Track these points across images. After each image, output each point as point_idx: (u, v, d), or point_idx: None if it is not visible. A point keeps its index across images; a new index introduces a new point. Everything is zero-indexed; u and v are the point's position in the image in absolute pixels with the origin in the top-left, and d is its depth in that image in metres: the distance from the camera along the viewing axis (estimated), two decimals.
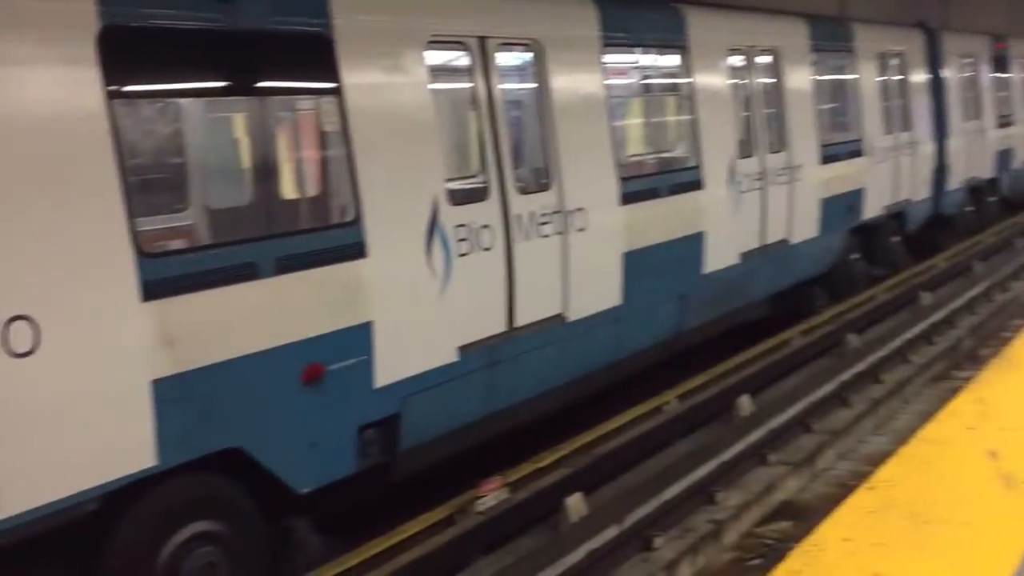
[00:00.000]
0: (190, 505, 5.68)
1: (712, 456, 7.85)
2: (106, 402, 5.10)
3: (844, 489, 5.81)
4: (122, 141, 5.23)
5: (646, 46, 10.02)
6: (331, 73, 6.37)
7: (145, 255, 5.26)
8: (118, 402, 5.16)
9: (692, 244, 9.81)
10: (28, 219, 4.77)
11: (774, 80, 11.56)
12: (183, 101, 6.81)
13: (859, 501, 4.06)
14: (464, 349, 7.32)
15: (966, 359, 10.80)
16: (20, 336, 4.70)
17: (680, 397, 9.38)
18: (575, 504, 7.15)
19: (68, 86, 5.02)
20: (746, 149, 10.85)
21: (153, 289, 5.26)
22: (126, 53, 5.26)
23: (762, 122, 11.21)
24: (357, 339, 6.46)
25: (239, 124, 7.15)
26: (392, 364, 6.70)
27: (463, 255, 7.23)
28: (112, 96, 5.15)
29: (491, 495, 7.01)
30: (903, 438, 5.16)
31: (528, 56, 8.20)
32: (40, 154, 4.84)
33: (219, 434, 5.69)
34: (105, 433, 5.10)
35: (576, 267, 8.25)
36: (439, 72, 7.57)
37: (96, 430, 5.06)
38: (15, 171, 4.74)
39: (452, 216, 7.14)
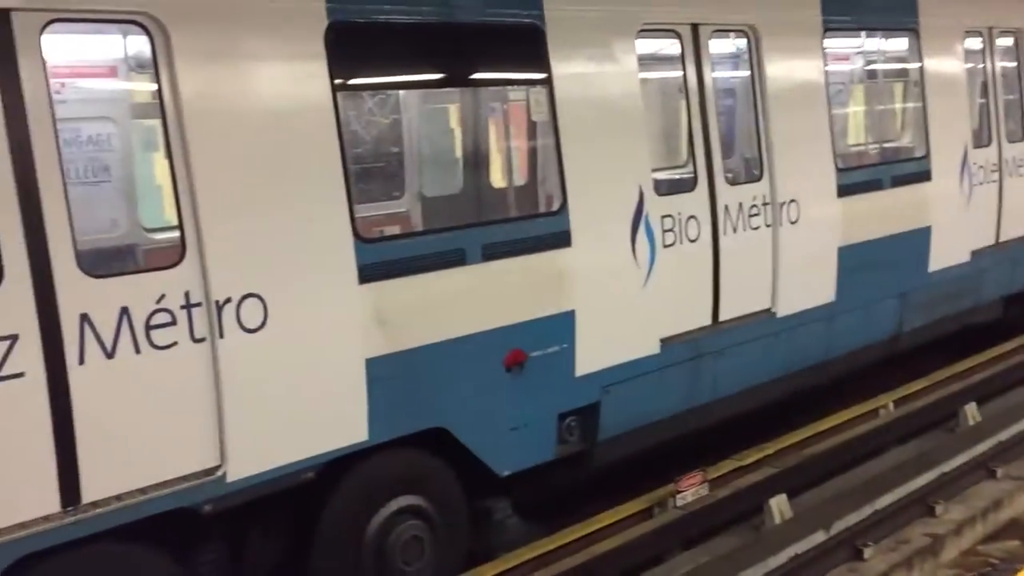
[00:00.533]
0: (397, 480, 5.93)
1: (932, 466, 7.39)
2: (325, 378, 5.41)
3: None
4: (345, 132, 5.51)
5: (872, 29, 9.49)
6: (542, 63, 6.45)
7: (363, 240, 5.53)
8: (335, 378, 5.46)
9: (916, 240, 9.22)
10: (260, 204, 5.13)
11: (1015, 64, 10.65)
12: (401, 93, 7.08)
13: None
14: (666, 341, 7.23)
15: None
16: (251, 313, 5.06)
17: (897, 402, 8.86)
18: (779, 505, 6.91)
19: (299, 80, 5.33)
20: (982, 138, 10.06)
21: (369, 272, 5.52)
22: (350, 48, 5.54)
23: (1001, 109, 10.36)
24: (560, 327, 6.52)
25: (453, 115, 7.37)
26: (593, 353, 6.71)
27: (668, 246, 7.13)
28: (337, 89, 5.44)
29: (691, 490, 6.90)
30: None
31: (742, 43, 7.96)
32: (273, 144, 5.18)
33: (425, 414, 5.91)
34: (323, 407, 5.41)
35: (787, 261, 7.95)
36: (649, 61, 7.49)
37: (315, 404, 5.37)
38: (250, 160, 5.10)
39: (658, 206, 7.05)
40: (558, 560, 6.27)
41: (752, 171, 8.00)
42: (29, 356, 4.38)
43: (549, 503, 7.26)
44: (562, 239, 6.49)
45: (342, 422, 5.51)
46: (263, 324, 5.12)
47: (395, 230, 6.79)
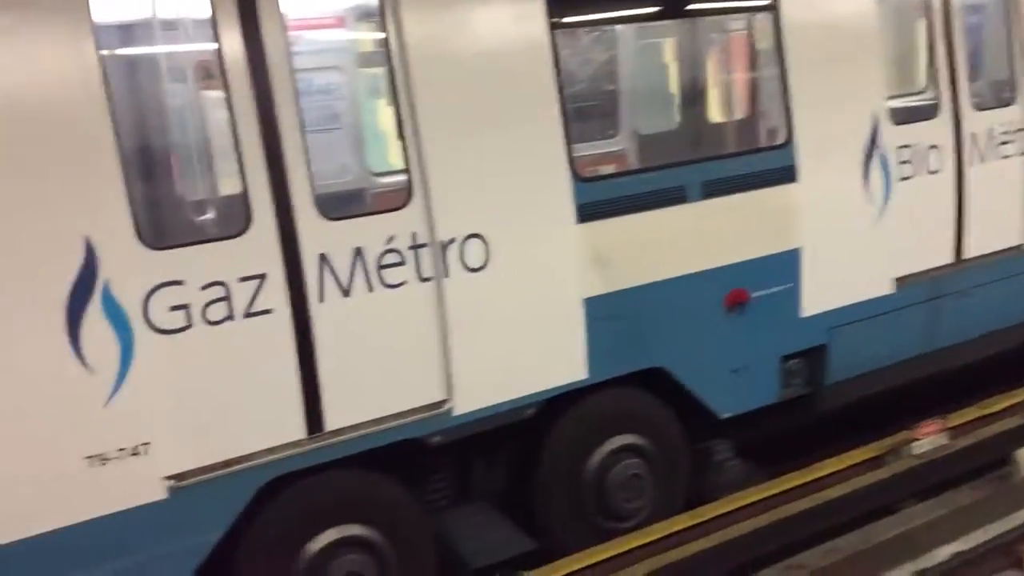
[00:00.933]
0: (617, 418, 5.96)
1: None
2: (544, 317, 5.48)
3: None
4: (562, 70, 5.48)
5: None
6: None
7: (580, 179, 5.52)
8: (555, 317, 5.52)
9: None
10: (481, 146, 5.21)
11: None
12: (616, 28, 6.94)
13: None
14: (901, 281, 6.79)
15: None
16: (474, 253, 5.19)
17: None
18: None
19: (517, 20, 5.33)
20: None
21: (587, 212, 5.51)
22: None
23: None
24: (784, 266, 6.27)
25: (668, 49, 7.16)
26: (820, 294, 6.42)
27: (905, 179, 6.65)
28: (554, 27, 5.41)
29: (928, 439, 6.50)
30: None
31: None
32: (493, 86, 5.23)
33: (644, 354, 5.87)
34: (543, 346, 5.50)
35: None
36: None
37: (535, 342, 5.46)
38: (471, 103, 5.18)
39: (894, 136, 6.58)
40: (782, 505, 6.11)
41: (1003, 95, 7.29)
42: (276, 294, 4.71)
43: (775, 447, 7.07)
44: (787, 174, 6.20)
45: (561, 360, 5.57)
46: (485, 264, 5.23)
47: (612, 169, 6.72)
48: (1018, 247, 7.33)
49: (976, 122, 6.98)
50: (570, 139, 5.45)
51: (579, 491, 5.87)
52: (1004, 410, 7.05)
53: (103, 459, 4.36)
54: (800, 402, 6.72)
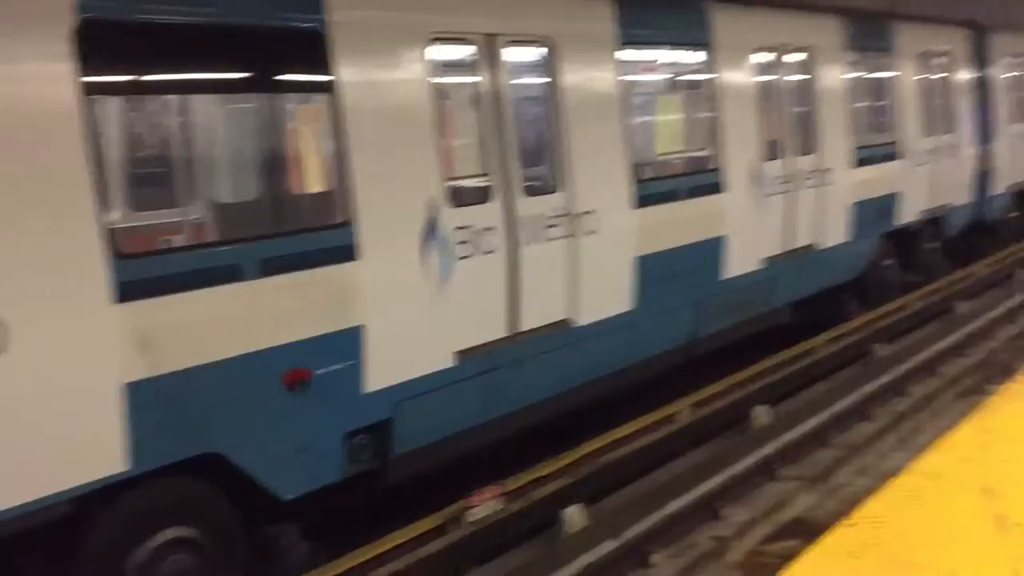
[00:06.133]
0: (163, 511, 5.58)
1: (720, 469, 7.59)
2: (74, 405, 5.00)
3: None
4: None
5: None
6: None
7: (121, 255, 5.14)
8: (87, 404, 5.07)
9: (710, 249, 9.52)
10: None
11: (806, 77, 11.18)
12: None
13: (837, 540, 3.79)
14: (462, 354, 7.15)
15: (1001, 373, 10.36)
16: None
17: (694, 406, 9.10)
18: (574, 516, 6.93)
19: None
20: (774, 150, 10.54)
21: (129, 290, 5.14)
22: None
23: (791, 122, 10.86)
24: (345, 343, 6.31)
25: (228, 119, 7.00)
26: (383, 369, 6.56)
27: (464, 258, 7.05)
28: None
29: (483, 505, 6.82)
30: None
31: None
32: None
33: (196, 439, 5.60)
34: (73, 436, 5.01)
35: (586, 272, 8.04)
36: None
37: (63, 433, 4.96)
38: None
39: (452, 218, 6.95)
40: None
41: (549, 182, 8.03)
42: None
43: (348, 525, 7.03)
44: (348, 252, 6.29)
45: (97, 452, 5.11)
46: (4, 347, 4.68)
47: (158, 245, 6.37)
48: (564, 321, 8.04)
49: (528, 206, 7.59)
50: (108, 207, 5.10)
51: None
52: (556, 472, 7.61)
53: None
54: (369, 477, 6.76)
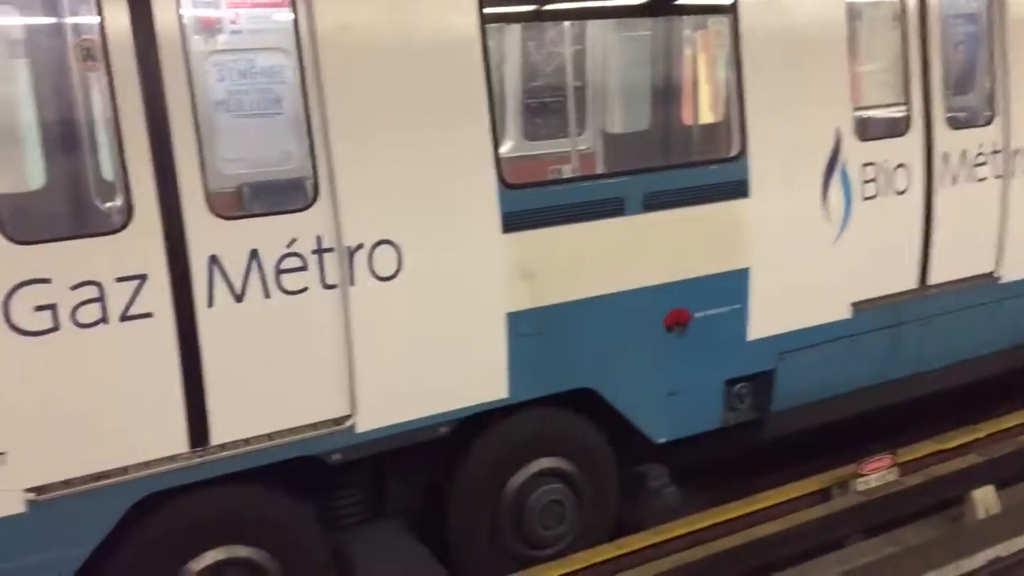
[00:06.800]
0: (539, 441, 5.62)
1: None
2: (461, 331, 5.12)
3: None
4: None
5: None
6: None
7: (507, 186, 5.14)
8: (473, 332, 5.18)
9: None
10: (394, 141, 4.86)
11: None
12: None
13: None
14: (859, 306, 6.43)
15: None
16: (384, 260, 4.83)
17: None
18: (984, 498, 6.07)
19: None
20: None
21: (513, 222, 5.16)
22: None
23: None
24: (730, 286, 5.91)
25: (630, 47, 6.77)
26: (769, 316, 6.08)
27: (869, 198, 6.28)
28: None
29: (876, 475, 6.15)
30: None
31: None
32: (409, 78, 4.85)
33: (571, 374, 5.54)
34: (458, 361, 5.16)
35: None
36: None
37: (450, 358, 5.12)
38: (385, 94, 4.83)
39: (858, 153, 6.17)
40: (716, 538, 5.77)
41: (983, 113, 6.92)
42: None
43: (717, 474, 6.73)
44: (738, 189, 5.83)
45: (479, 378, 5.23)
46: (396, 272, 4.88)
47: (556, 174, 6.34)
48: (987, 275, 6.96)
49: (950, 141, 6.60)
50: (497, 141, 5.09)
51: (495, 516, 5.52)
52: (962, 446, 6.69)
53: None
54: (745, 428, 6.37)
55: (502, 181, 5.12)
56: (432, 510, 5.55)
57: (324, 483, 5.23)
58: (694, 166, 5.94)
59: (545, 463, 5.62)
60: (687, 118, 6.71)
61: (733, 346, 6.03)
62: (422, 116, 4.86)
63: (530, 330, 5.29)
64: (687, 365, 5.87)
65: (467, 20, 4.96)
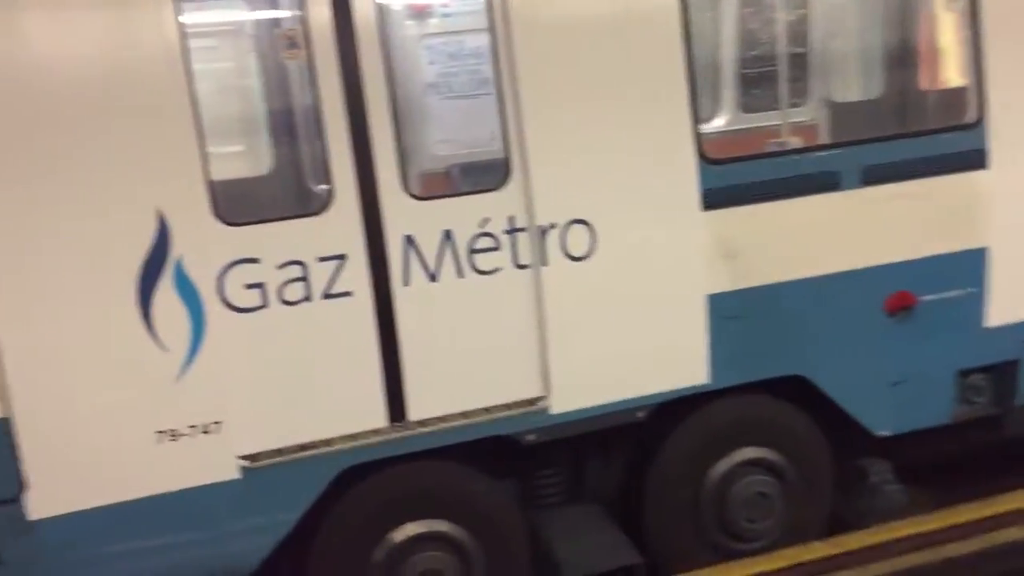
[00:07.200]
0: (745, 429, 5.36)
1: None
2: (659, 313, 4.96)
3: None
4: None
5: None
6: None
7: (708, 161, 4.91)
8: (671, 314, 5.00)
9: None
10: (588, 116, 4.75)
11: None
12: None
13: None
14: None
15: None
16: (577, 240, 4.77)
17: None
18: None
19: None
20: None
21: (715, 198, 4.93)
22: None
23: None
24: (964, 268, 5.36)
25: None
26: (1012, 301, 5.46)
27: None
28: None
29: None
30: None
31: None
32: (604, 49, 4.72)
33: (780, 360, 5.23)
34: (656, 344, 4.99)
35: None
36: None
37: (647, 340, 4.96)
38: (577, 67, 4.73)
39: None
40: (948, 542, 5.27)
41: None
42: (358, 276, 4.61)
43: (949, 473, 6.15)
44: (976, 160, 5.26)
45: (677, 362, 5.04)
46: (591, 252, 4.79)
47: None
48: None
49: None
50: (697, 115, 4.86)
51: (696, 505, 5.33)
52: None
53: (173, 435, 4.37)
54: (983, 424, 5.77)
55: (702, 156, 4.89)
56: (632, 495, 5.44)
57: (523, 463, 5.26)
58: (922, 135, 5.40)
59: (750, 452, 5.36)
60: (916, 83, 6.12)
61: (968, 333, 5.46)
62: (616, 91, 4.72)
63: (733, 313, 5.04)
64: (912, 353, 5.38)
65: None
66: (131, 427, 4.31)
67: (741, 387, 5.20)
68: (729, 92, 6.80)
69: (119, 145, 4.15)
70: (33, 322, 4.12)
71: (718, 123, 7.04)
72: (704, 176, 4.89)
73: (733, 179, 4.97)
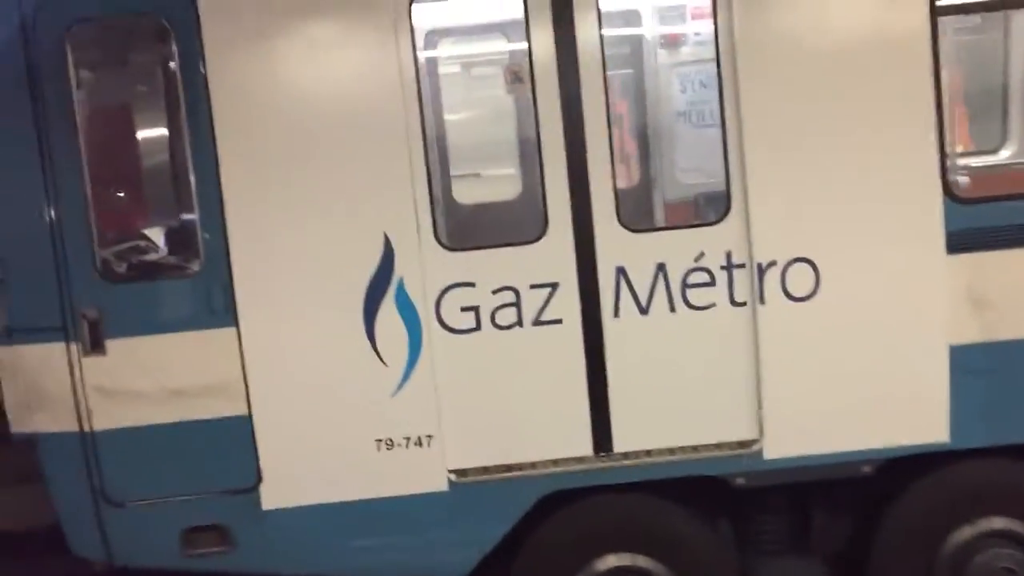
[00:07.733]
0: (993, 496, 4.82)
1: None
2: (891, 361, 4.60)
3: None
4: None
5: None
6: None
7: (955, 200, 4.50)
8: (906, 364, 4.63)
9: None
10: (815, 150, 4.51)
11: None
12: None
13: None
14: None
15: None
16: (798, 279, 4.54)
17: None
18: None
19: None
20: None
21: (962, 241, 4.51)
22: None
23: None
24: None
25: None
26: None
27: None
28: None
29: None
30: None
31: None
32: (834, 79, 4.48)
33: None
34: (886, 394, 4.63)
35: None
36: None
37: (877, 389, 4.63)
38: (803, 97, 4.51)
39: None
40: None
41: None
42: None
43: None
44: None
45: (912, 416, 4.63)
46: (813, 293, 4.54)
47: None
48: None
49: None
50: (944, 150, 4.45)
51: (927, 572, 4.86)
52: None
53: (390, 444, 4.66)
54: None
55: (949, 194, 4.47)
56: (859, 553, 5.06)
57: (744, 506, 5.06)
58: None
59: (998, 523, 4.80)
60: None
61: None
62: (849, 124, 4.44)
63: (980, 367, 4.56)
64: None
65: (914, 16, 4.41)
66: (353, 433, 4.65)
67: (983, 449, 4.68)
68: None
69: (357, 171, 4.51)
70: (273, 330, 4.57)
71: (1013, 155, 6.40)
72: (950, 216, 4.48)
73: (987, 220, 4.51)
